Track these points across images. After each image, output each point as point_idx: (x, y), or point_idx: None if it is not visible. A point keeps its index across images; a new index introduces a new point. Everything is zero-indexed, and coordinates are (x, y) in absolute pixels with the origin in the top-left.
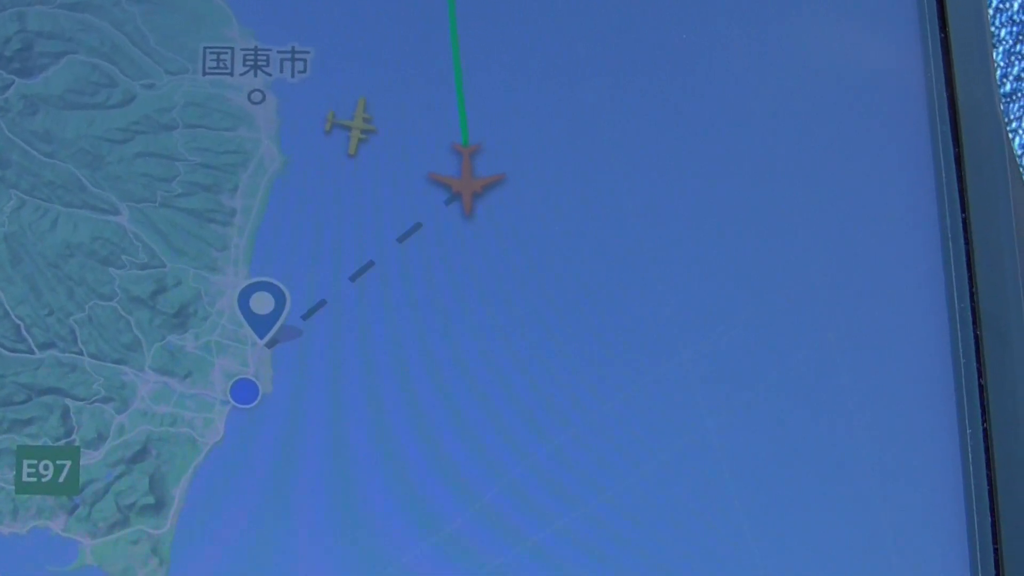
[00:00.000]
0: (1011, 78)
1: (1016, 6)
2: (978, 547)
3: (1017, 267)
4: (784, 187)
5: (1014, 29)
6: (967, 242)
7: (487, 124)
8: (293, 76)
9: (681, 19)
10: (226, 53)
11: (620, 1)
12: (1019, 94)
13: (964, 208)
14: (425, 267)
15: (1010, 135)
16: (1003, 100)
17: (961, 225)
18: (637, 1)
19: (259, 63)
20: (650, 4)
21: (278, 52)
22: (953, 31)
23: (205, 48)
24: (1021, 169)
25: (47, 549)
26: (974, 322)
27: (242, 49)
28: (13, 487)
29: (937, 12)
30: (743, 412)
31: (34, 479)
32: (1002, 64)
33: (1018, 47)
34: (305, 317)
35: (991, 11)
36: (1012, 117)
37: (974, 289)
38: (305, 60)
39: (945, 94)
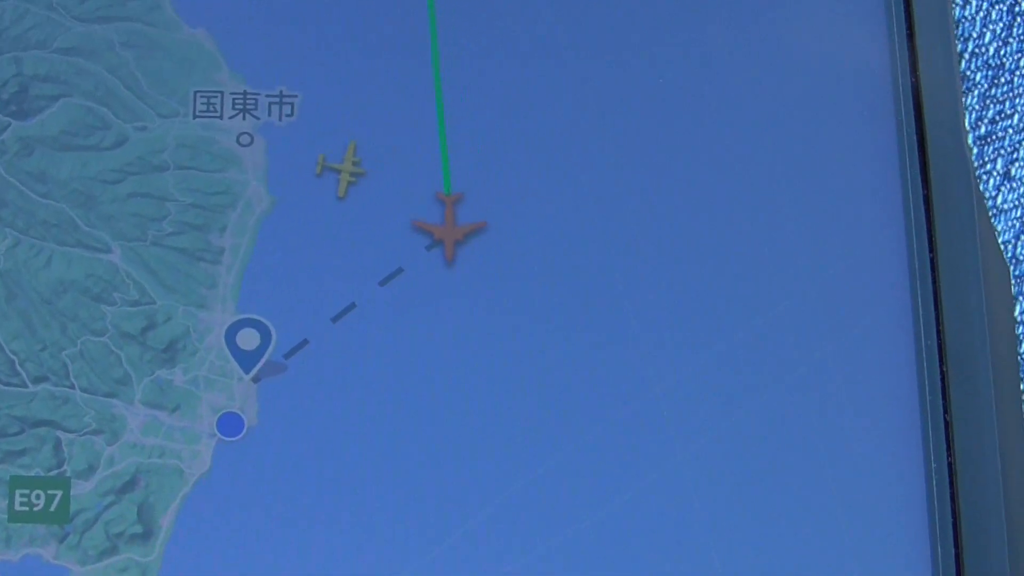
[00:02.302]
0: (986, 121)
1: (991, 51)
2: (940, 555)
3: (982, 295)
4: (749, 216)
5: (988, 73)
6: (933, 269)
7: (470, 174)
8: (280, 120)
9: (662, 66)
10: (216, 97)
11: (600, 54)
12: (993, 137)
13: (932, 248)
14: (406, 311)
15: (984, 176)
16: (977, 143)
17: (928, 261)
18: (615, 53)
19: (248, 106)
20: (630, 54)
21: (266, 96)
22: (920, 40)
23: (196, 92)
24: (987, 203)
25: None
26: (940, 360)
27: (231, 93)
28: (6, 516)
29: (905, 21)
30: (718, 427)
31: (26, 508)
32: (977, 107)
33: (993, 91)
34: (287, 356)
35: (967, 56)
36: (987, 159)
37: (941, 328)
38: (292, 104)
39: (915, 135)
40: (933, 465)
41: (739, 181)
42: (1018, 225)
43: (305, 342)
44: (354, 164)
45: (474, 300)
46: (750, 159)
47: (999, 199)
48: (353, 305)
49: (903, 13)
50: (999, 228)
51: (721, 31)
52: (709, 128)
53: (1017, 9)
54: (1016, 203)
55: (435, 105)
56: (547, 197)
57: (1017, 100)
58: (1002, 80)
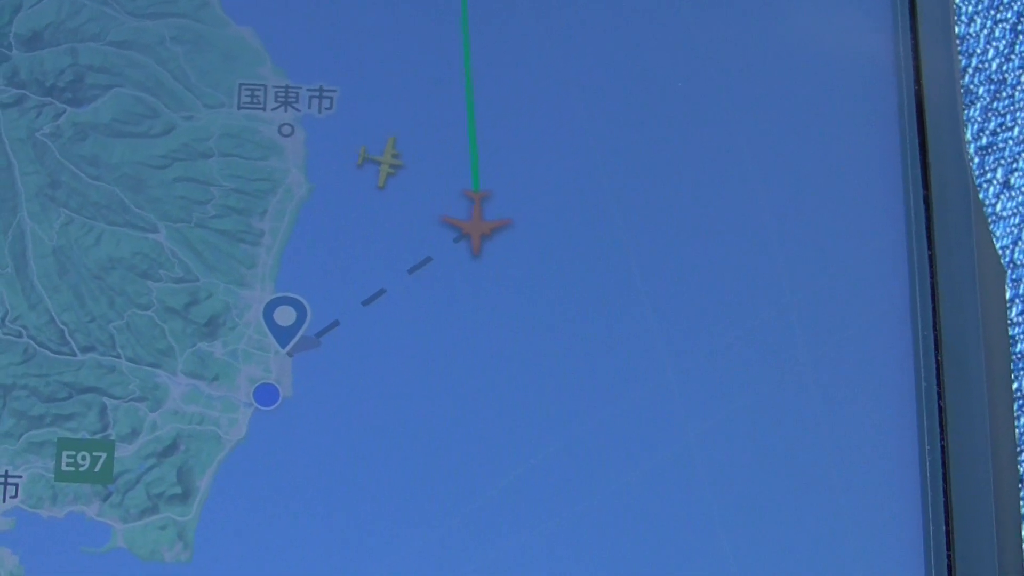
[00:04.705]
0: (987, 133)
1: (994, 66)
2: (931, 532)
3: (976, 293)
4: (760, 219)
5: (991, 87)
6: (931, 266)
7: (497, 173)
8: (320, 112)
9: (684, 73)
10: (259, 90)
11: (621, 59)
12: (994, 147)
13: (931, 247)
14: (433, 299)
15: (984, 185)
16: (979, 153)
17: (927, 259)
18: (640, 59)
19: (289, 99)
20: (655, 61)
21: (307, 90)
22: (924, 54)
23: (240, 85)
24: (987, 210)
25: (82, 532)
26: (936, 351)
27: (274, 86)
28: (53, 475)
29: (910, 36)
30: (726, 414)
31: (72, 468)
32: (979, 120)
33: (995, 104)
34: (320, 335)
35: (970, 71)
36: (987, 169)
37: (937, 320)
38: (332, 98)
39: (917, 143)
40: (927, 448)
41: (751, 185)
42: (1016, 231)
43: (336, 323)
44: (394, 157)
45: (498, 291)
46: (759, 165)
47: (998, 206)
48: (383, 291)
49: (908, 29)
50: (998, 234)
51: (734, 43)
52: (727, 133)
53: (1020, 27)
54: (1015, 210)
55: (466, 107)
56: (569, 196)
57: (1018, 114)
58: (1004, 94)
